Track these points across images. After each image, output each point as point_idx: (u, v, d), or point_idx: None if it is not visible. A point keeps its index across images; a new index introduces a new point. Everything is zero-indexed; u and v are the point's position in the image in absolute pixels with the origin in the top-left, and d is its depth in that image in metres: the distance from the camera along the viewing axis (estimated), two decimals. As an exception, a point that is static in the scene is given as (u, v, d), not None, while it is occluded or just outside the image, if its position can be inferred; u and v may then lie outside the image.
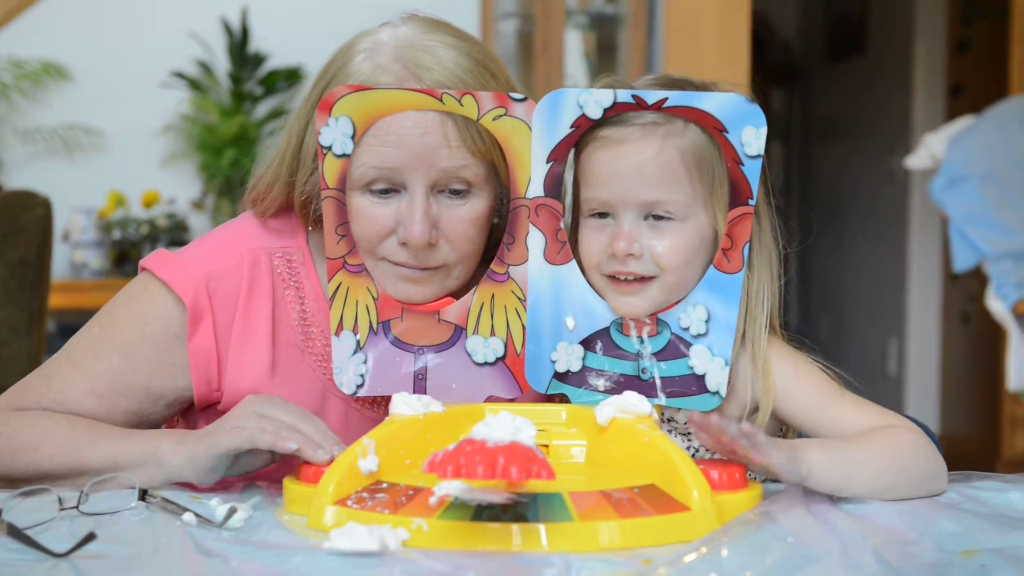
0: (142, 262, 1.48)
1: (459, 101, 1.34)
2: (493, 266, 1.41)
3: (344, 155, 1.36)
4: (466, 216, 1.40)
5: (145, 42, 4.26)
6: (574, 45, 4.63)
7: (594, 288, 1.40)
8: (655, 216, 1.36)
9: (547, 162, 1.37)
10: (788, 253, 1.47)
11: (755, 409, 1.40)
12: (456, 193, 1.39)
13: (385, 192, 1.38)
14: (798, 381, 1.40)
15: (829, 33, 6.39)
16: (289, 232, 1.49)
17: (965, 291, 5.17)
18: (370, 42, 1.41)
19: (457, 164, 1.37)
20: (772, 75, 6.55)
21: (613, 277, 1.38)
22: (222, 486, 1.37)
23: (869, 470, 1.29)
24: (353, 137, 1.36)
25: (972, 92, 5.20)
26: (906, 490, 1.30)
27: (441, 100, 1.34)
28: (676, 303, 1.38)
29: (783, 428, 1.46)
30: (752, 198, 1.34)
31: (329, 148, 1.36)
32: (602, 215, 1.38)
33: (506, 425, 1.10)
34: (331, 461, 1.25)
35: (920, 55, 5.46)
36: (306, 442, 1.28)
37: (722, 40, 3.69)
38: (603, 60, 4.61)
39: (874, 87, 5.86)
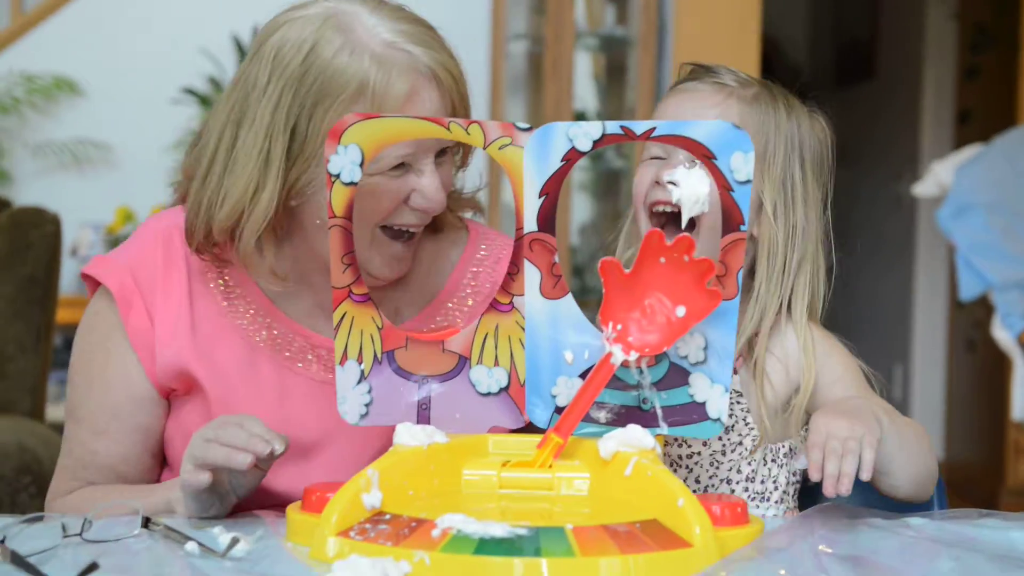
0: (81, 269, 1.57)
1: (466, 130, 1.34)
2: (497, 296, 1.41)
3: (352, 183, 1.36)
4: (449, 171, 1.50)
5: (156, 58, 4.28)
6: (584, 67, 4.64)
7: (640, 229, 1.47)
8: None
9: (539, 196, 1.36)
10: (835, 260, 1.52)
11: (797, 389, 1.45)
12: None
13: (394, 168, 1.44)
14: (847, 371, 1.46)
15: (838, 57, 6.40)
16: None
17: (971, 319, 5.17)
18: (343, 40, 1.42)
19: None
20: (781, 98, 6.55)
21: (653, 210, 1.45)
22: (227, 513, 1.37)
23: (906, 451, 1.34)
24: (362, 165, 1.36)
25: (980, 119, 5.20)
26: (927, 484, 1.38)
27: (448, 128, 1.34)
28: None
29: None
30: (744, 224, 1.32)
31: (337, 176, 1.35)
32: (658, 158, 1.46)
33: None
34: (270, 454, 1.28)
35: (929, 81, 5.47)
36: (228, 453, 1.29)
37: (732, 63, 3.66)
38: (612, 82, 4.62)
39: (882, 112, 5.87)
